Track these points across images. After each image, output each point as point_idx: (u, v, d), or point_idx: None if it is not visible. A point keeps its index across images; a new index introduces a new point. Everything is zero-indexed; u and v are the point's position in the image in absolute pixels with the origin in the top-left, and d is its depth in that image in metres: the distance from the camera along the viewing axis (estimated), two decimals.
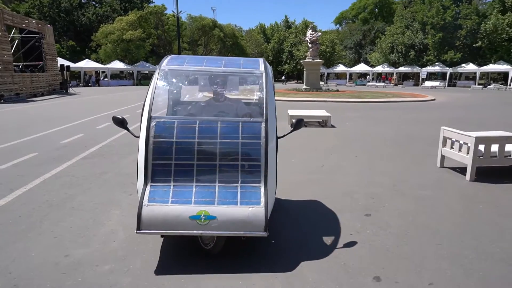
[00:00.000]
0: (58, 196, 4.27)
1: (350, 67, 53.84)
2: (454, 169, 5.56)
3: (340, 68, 52.14)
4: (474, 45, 42.28)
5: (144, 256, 2.88)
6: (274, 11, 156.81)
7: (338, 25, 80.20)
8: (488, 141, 4.94)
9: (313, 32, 27.59)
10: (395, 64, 48.13)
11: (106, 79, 42.42)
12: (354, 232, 3.36)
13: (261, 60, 3.38)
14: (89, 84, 39.91)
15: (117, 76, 46.47)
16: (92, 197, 4.25)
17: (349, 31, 65.04)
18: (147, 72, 48.09)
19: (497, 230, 3.43)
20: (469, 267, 2.74)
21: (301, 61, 33.10)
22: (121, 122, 3.06)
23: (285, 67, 58.00)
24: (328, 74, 52.32)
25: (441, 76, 46.60)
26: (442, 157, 5.68)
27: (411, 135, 8.80)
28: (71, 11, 49.27)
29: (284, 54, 58.29)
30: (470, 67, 42.44)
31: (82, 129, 9.19)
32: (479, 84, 40.90)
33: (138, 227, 2.54)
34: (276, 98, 3.19)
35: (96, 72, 44.49)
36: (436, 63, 44.36)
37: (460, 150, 5.16)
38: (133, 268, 2.70)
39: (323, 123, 10.48)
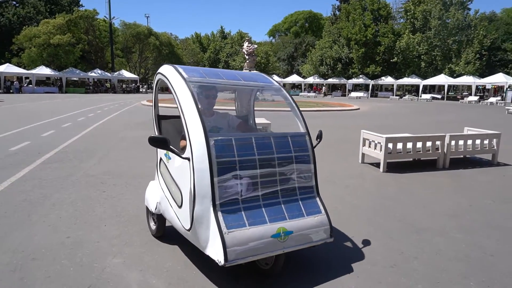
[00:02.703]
0: (34, 195, 4.65)
1: (283, 78, 56.73)
2: (372, 164, 6.91)
3: (274, 78, 54.54)
4: (391, 60, 47.48)
5: (133, 229, 3.54)
6: (210, 21, 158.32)
7: (271, 37, 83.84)
8: (394, 140, 6.33)
9: (249, 44, 29.01)
10: (324, 76, 51.90)
11: (30, 85, 39.58)
12: None
13: (266, 75, 3.56)
14: (11, 91, 37.03)
15: (43, 83, 43.57)
16: (69, 194, 4.71)
17: (282, 43, 68.52)
18: (77, 79, 45.86)
19: (399, 203, 4.66)
20: (378, 226, 3.87)
21: None
22: (163, 142, 2.60)
23: None
24: None
25: (364, 87, 51.32)
26: (363, 154, 7.01)
27: (339, 139, 10.24)
28: None
29: (220, 64, 59.52)
30: (388, 79, 47.51)
31: (26, 137, 9.13)
32: (396, 95, 45.96)
33: (226, 258, 2.33)
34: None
35: (19, 78, 41.34)
36: (360, 76, 48.86)
37: (375, 149, 6.50)
38: (130, 241, 3.36)
39: (263, 129, 11.56)
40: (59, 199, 4.53)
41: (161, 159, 3.24)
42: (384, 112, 22.34)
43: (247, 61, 28.63)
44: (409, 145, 6.42)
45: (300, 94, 49.37)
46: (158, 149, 3.21)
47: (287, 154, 2.76)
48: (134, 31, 50.39)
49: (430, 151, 6.57)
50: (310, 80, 52.82)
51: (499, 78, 37.62)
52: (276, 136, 2.80)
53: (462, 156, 7.31)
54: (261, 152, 2.65)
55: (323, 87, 52.76)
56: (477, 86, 41.01)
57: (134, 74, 51.27)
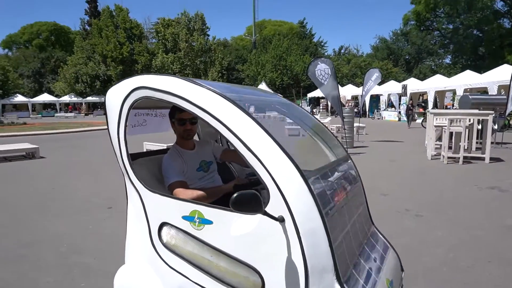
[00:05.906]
0: None
1: (31, 98, 49.25)
2: None
3: (19, 98, 46.81)
4: None
5: None
6: None
7: (7, 50, 70.82)
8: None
9: None
10: (82, 94, 48.61)
11: None
12: None
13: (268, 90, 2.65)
14: None
15: None
16: None
17: (24, 57, 59.08)
18: None
19: None
20: None
21: None
22: (258, 203, 1.44)
23: None
24: (4, 105, 45.56)
25: None
26: None
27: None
28: None
29: None
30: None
31: None
32: None
33: None
34: None
35: None
36: None
37: None
38: None
39: (29, 155, 10.35)
40: None
41: (164, 225, 1.92)
42: None
43: None
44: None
45: (56, 115, 44.26)
46: (147, 208, 2.01)
47: (355, 184, 2.17)
48: None
49: None
50: (66, 98, 48.24)
51: None
52: (340, 163, 2.18)
53: None
54: (342, 187, 2.00)
55: (83, 106, 49.33)
56: None
57: None
